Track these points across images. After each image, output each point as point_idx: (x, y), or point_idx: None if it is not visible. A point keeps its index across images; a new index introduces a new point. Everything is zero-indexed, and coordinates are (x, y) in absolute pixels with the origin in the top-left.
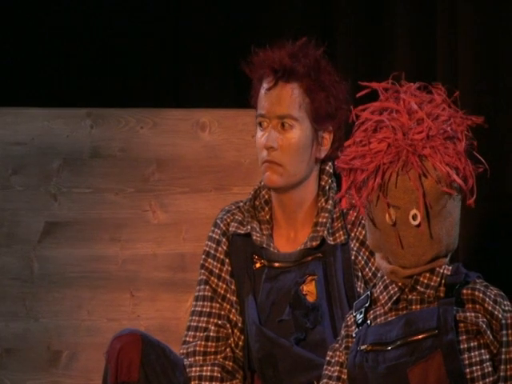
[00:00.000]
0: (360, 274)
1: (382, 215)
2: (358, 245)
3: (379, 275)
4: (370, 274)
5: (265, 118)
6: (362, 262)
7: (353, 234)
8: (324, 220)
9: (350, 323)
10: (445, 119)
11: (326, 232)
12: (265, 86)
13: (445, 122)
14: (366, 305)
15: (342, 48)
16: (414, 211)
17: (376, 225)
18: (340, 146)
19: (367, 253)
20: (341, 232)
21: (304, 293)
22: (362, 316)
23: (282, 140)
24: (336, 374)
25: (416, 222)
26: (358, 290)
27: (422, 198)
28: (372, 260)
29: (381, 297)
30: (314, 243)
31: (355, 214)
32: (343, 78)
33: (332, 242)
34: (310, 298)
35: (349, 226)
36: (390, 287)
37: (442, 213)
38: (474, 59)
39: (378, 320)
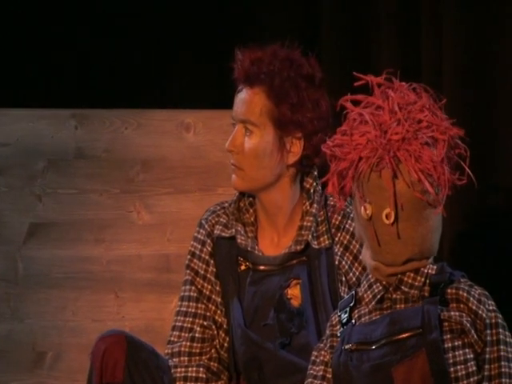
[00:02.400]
0: (344, 278)
1: (359, 208)
2: (341, 249)
3: (364, 274)
4: (354, 279)
5: (233, 121)
6: (346, 267)
7: (337, 239)
8: (309, 224)
9: (334, 322)
10: (426, 125)
11: (310, 236)
12: (238, 88)
13: (426, 128)
14: (351, 304)
15: (326, 50)
16: (387, 210)
17: (357, 217)
18: (315, 152)
19: (351, 257)
20: (325, 236)
21: (288, 297)
22: (346, 315)
23: (243, 144)
24: (321, 373)
25: (388, 221)
26: (342, 294)
27: (393, 198)
28: (356, 265)
29: (365, 295)
30: (299, 247)
31: (339, 217)
32: (322, 85)
33: (316, 246)
34: (295, 302)
35: (333, 231)
36: (375, 286)
37: (417, 217)
38: (458, 62)
39: (363, 319)
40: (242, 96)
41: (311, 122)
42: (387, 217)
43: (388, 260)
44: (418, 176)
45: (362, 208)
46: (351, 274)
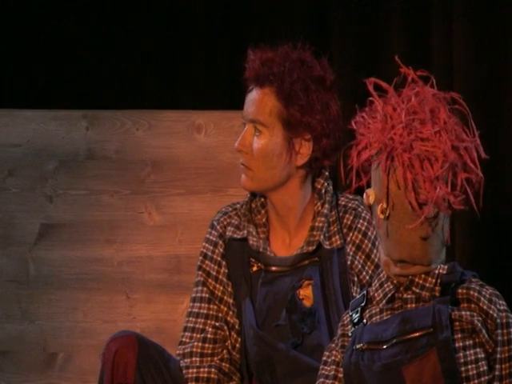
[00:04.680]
0: (356, 278)
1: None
2: (354, 249)
3: (376, 274)
4: (368, 278)
5: (243, 120)
6: (359, 267)
7: (349, 239)
8: (320, 224)
9: (346, 322)
10: (427, 138)
11: (322, 236)
12: (248, 88)
13: (425, 141)
14: (362, 304)
15: (336, 46)
16: (382, 204)
17: None
18: (324, 154)
19: (363, 257)
20: (337, 236)
21: (300, 297)
22: (357, 315)
23: (252, 144)
24: (332, 372)
25: (381, 216)
26: (354, 294)
27: (386, 195)
28: (368, 263)
29: (376, 294)
30: (311, 248)
31: (351, 217)
32: (333, 87)
33: (328, 247)
34: (307, 303)
35: (345, 231)
36: (386, 285)
37: (407, 222)
38: (468, 53)
39: (374, 319)
40: (252, 96)
41: (320, 124)
42: (381, 211)
43: (387, 252)
44: (406, 184)
45: (365, 193)
46: (364, 273)
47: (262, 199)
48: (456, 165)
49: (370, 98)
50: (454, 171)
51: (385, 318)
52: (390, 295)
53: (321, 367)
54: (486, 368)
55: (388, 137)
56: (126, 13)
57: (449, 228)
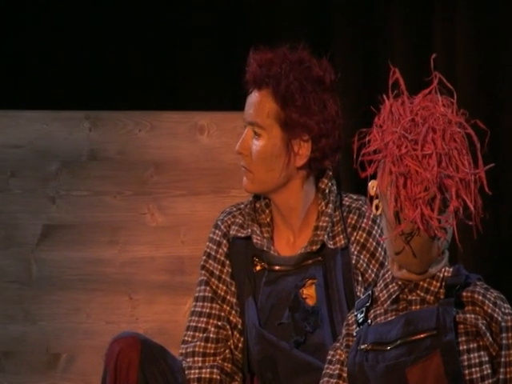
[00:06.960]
0: (361, 278)
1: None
2: (358, 248)
3: (381, 274)
4: (373, 276)
5: (244, 123)
6: (364, 265)
7: (353, 238)
8: (324, 224)
9: (350, 322)
10: (416, 156)
11: (326, 236)
12: (249, 91)
13: (412, 160)
14: (367, 304)
15: (338, 46)
16: (378, 199)
17: None
18: (324, 155)
19: (368, 255)
20: (341, 236)
21: (304, 296)
22: (362, 315)
23: (251, 147)
24: (337, 372)
25: (374, 211)
26: (358, 294)
27: (379, 192)
28: (373, 262)
29: (381, 295)
30: (314, 247)
31: (355, 217)
32: (332, 87)
33: (332, 246)
34: (310, 302)
35: (349, 230)
36: (390, 285)
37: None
38: (471, 63)
39: (378, 319)
40: (251, 99)
41: (318, 124)
42: (375, 206)
43: (386, 245)
44: (389, 195)
45: (370, 183)
46: (370, 272)
47: (266, 199)
48: (447, 192)
49: (384, 97)
50: (444, 198)
51: (389, 318)
52: (394, 296)
53: (325, 366)
54: (489, 371)
55: (385, 141)
56: (127, 13)
57: (441, 246)
